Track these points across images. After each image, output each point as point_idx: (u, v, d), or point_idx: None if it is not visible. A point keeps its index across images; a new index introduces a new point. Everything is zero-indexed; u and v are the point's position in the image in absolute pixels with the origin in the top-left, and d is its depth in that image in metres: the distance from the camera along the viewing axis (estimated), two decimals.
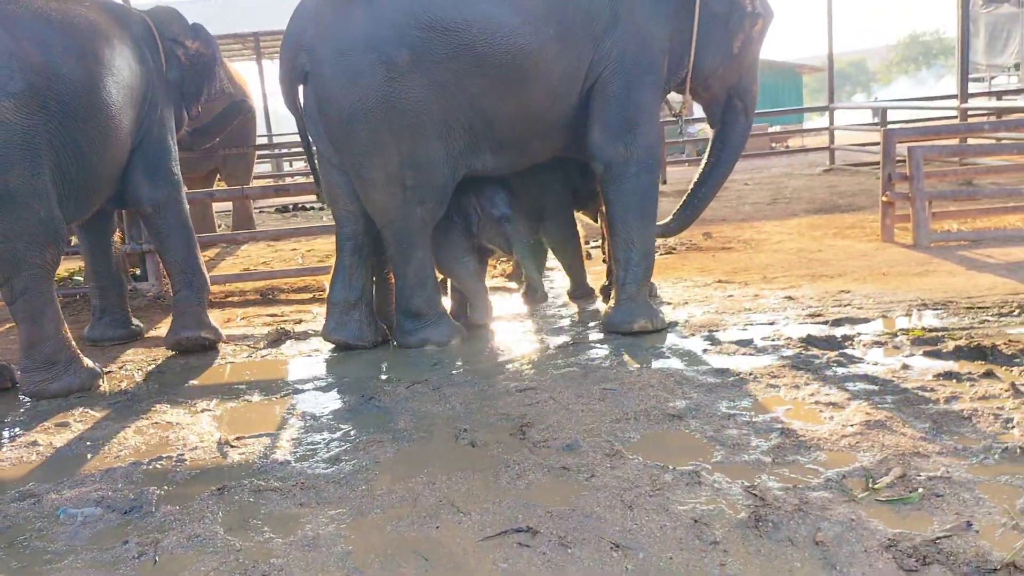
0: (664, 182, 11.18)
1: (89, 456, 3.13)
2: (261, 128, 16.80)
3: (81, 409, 3.64)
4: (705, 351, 3.80)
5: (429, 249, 4.15)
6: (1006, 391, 3.02)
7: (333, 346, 4.30)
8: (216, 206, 9.02)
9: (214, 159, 7.83)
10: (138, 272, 6.35)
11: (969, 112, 9.47)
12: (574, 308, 4.80)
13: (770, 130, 16.85)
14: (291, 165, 18.76)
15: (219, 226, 8.93)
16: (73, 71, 3.79)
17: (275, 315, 5.19)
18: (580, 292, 4.91)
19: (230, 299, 5.81)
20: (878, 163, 10.54)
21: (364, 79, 3.77)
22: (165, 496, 2.72)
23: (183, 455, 3.05)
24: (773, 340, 3.84)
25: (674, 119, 4.98)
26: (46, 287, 3.84)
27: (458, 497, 2.54)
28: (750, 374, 3.40)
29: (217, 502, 2.63)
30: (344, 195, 4.16)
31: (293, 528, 2.43)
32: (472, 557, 2.19)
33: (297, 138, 18.07)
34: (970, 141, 8.50)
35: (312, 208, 11.39)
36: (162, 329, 5.06)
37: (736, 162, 4.86)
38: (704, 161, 4.87)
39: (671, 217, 4.90)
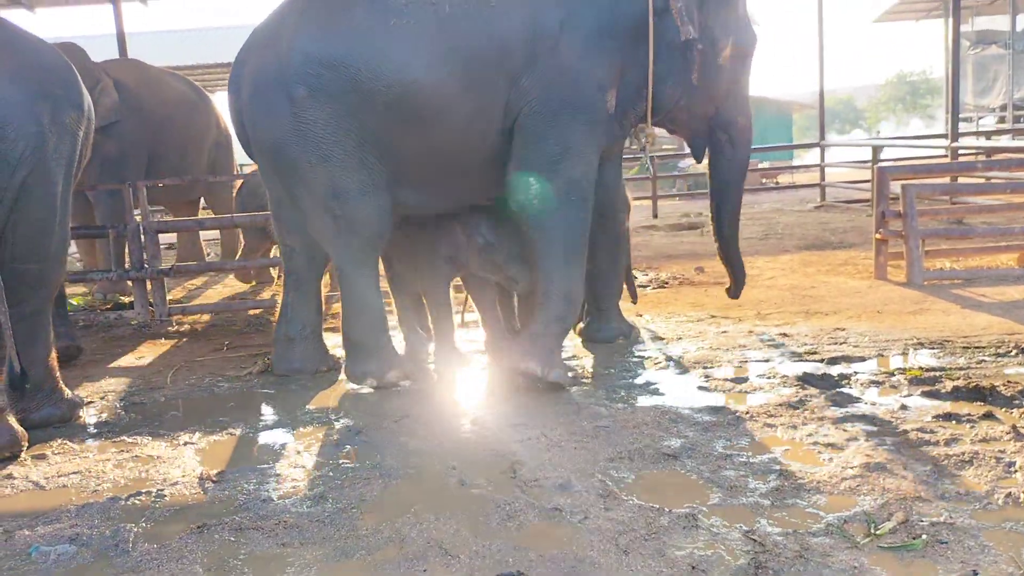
0: (655, 215, 11.20)
1: (66, 490, 3.03)
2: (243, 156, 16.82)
3: (60, 440, 3.53)
4: (700, 388, 3.74)
5: (374, 279, 4.03)
6: (1007, 434, 2.97)
7: (319, 378, 4.25)
8: (204, 234, 8.93)
9: (198, 187, 7.77)
10: (128, 300, 6.27)
11: (959, 151, 9.52)
12: (569, 340, 4.73)
13: (760, 166, 16.95)
14: None
15: (207, 254, 8.85)
16: (90, 107, 3.94)
17: (263, 345, 5.09)
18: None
19: (217, 328, 5.71)
20: (868, 200, 10.60)
21: (274, 115, 3.82)
22: (143, 534, 2.63)
23: (163, 491, 2.95)
24: (769, 378, 3.78)
25: (647, 153, 4.52)
26: (49, 309, 3.81)
27: (446, 539, 2.45)
28: (746, 413, 3.34)
29: (196, 541, 2.54)
30: (286, 230, 4.27)
31: (274, 570, 2.34)
32: None
33: None
34: (960, 180, 8.53)
35: None
36: (147, 357, 4.97)
37: (735, 192, 4.45)
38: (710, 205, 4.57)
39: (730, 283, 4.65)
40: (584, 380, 3.96)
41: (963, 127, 17.11)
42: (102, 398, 4.16)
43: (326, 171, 3.80)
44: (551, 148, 3.79)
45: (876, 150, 10.72)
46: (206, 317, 5.98)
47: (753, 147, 4.58)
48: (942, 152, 10.54)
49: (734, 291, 4.66)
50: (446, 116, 3.75)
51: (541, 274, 3.89)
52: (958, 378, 3.56)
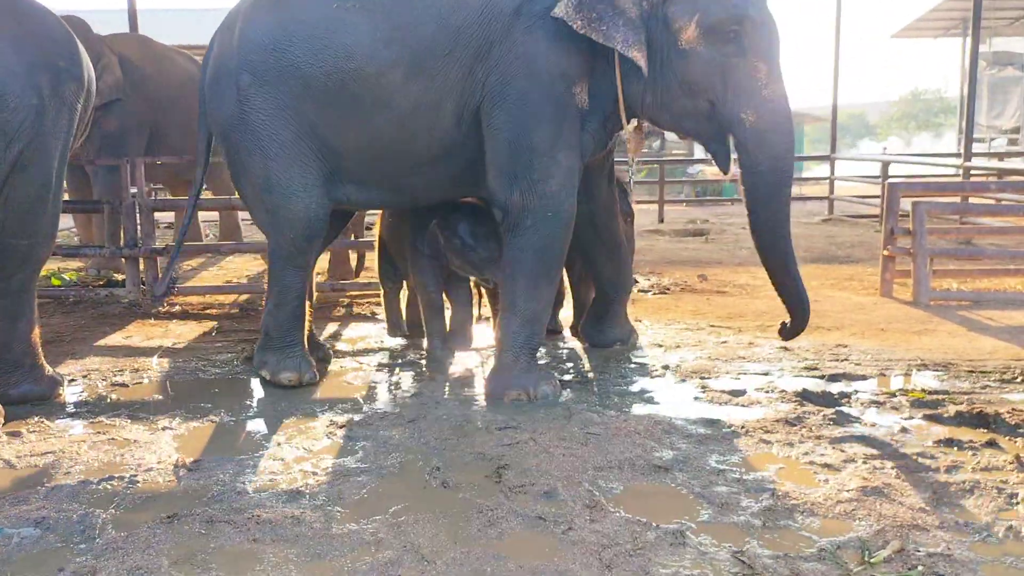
0: (661, 220, 11.09)
1: (37, 471, 2.94)
2: None
3: (36, 418, 3.44)
4: (696, 399, 3.64)
5: (299, 278, 3.87)
6: (1010, 463, 2.87)
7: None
8: (202, 215, 8.82)
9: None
10: (121, 278, 6.18)
11: (972, 171, 9.41)
12: (566, 343, 4.63)
13: None
14: None
15: (206, 235, 8.76)
16: (91, 81, 3.82)
17: (253, 331, 4.99)
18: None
19: (208, 311, 5.62)
20: (877, 216, 10.49)
21: (224, 102, 3.74)
22: (111, 520, 2.54)
23: (136, 476, 2.86)
24: (767, 392, 3.68)
25: (632, 165, 4.09)
26: (34, 285, 3.71)
27: (424, 543, 2.36)
28: (742, 427, 3.24)
29: (166, 531, 2.45)
30: None
31: (243, 567, 2.25)
32: None
33: None
34: (971, 200, 8.42)
35: None
36: (134, 337, 4.88)
37: (762, 213, 3.57)
38: None
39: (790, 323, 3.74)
40: (577, 384, 3.86)
41: (975, 148, 16.97)
42: (85, 377, 4.06)
43: (262, 163, 3.69)
44: (520, 151, 3.50)
45: (886, 166, 10.63)
46: (197, 299, 5.89)
47: None
48: (953, 171, 10.44)
49: (788, 332, 3.77)
50: (388, 109, 3.55)
51: (506, 294, 3.67)
52: (961, 403, 3.46)
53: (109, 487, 2.78)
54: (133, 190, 5.78)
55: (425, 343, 4.33)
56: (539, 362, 3.85)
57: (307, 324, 4.05)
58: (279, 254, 3.86)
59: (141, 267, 5.76)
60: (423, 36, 3.49)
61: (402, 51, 3.49)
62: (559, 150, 3.53)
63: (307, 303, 4.01)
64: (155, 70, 7.22)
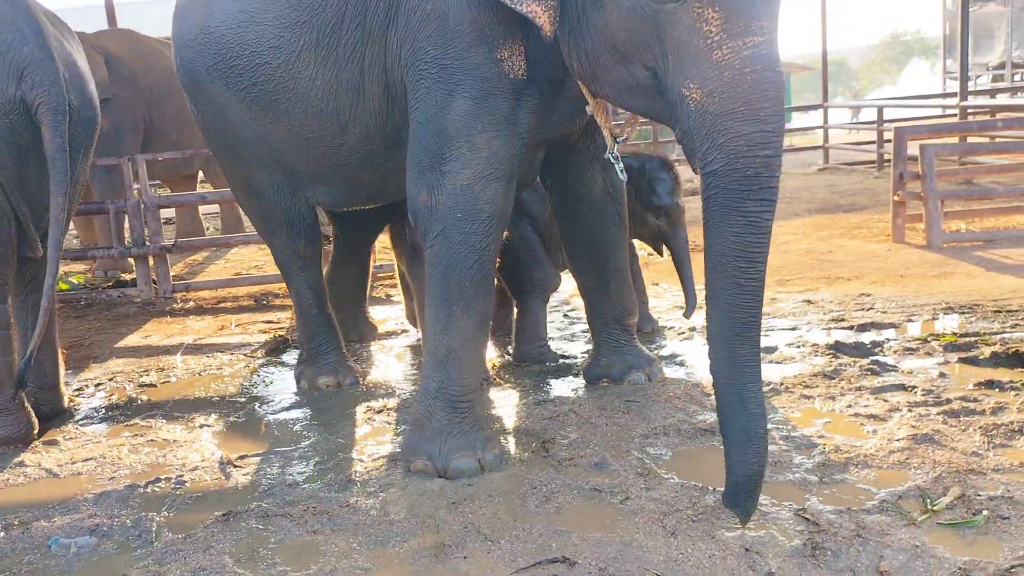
0: None
1: (81, 478, 2.92)
2: None
3: (70, 425, 3.42)
4: None
5: (306, 282, 3.64)
6: None
7: None
8: (203, 208, 8.74)
9: (196, 161, 7.57)
10: (130, 278, 6.13)
11: (968, 110, 9.38)
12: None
13: None
14: None
15: (207, 229, 8.68)
16: None
17: (271, 321, 4.97)
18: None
19: (223, 305, 5.59)
20: (872, 162, 10.48)
21: (186, 100, 3.66)
22: (165, 523, 2.53)
23: (183, 476, 2.85)
24: (799, 347, 3.68)
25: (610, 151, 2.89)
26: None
27: (484, 523, 2.36)
28: (780, 384, 3.24)
29: (223, 530, 2.44)
30: None
31: (307, 560, 2.24)
32: None
33: None
34: (970, 139, 8.39)
35: None
36: (153, 336, 4.85)
37: (726, 245, 2.32)
38: None
39: None
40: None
41: (955, 86, 16.90)
42: (111, 380, 4.03)
43: (235, 165, 3.54)
44: (430, 135, 2.71)
45: (881, 111, 10.59)
46: (210, 293, 5.85)
47: None
48: (941, 111, 10.40)
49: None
50: (300, 100, 3.03)
51: (426, 330, 2.92)
52: (995, 343, 3.46)
53: (158, 489, 2.77)
54: (136, 187, 5.71)
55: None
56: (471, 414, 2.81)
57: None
58: (279, 260, 3.72)
59: (151, 264, 5.71)
60: (328, 11, 2.85)
61: (308, 33, 2.91)
62: (477, 132, 2.68)
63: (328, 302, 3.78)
64: (143, 65, 7.12)
